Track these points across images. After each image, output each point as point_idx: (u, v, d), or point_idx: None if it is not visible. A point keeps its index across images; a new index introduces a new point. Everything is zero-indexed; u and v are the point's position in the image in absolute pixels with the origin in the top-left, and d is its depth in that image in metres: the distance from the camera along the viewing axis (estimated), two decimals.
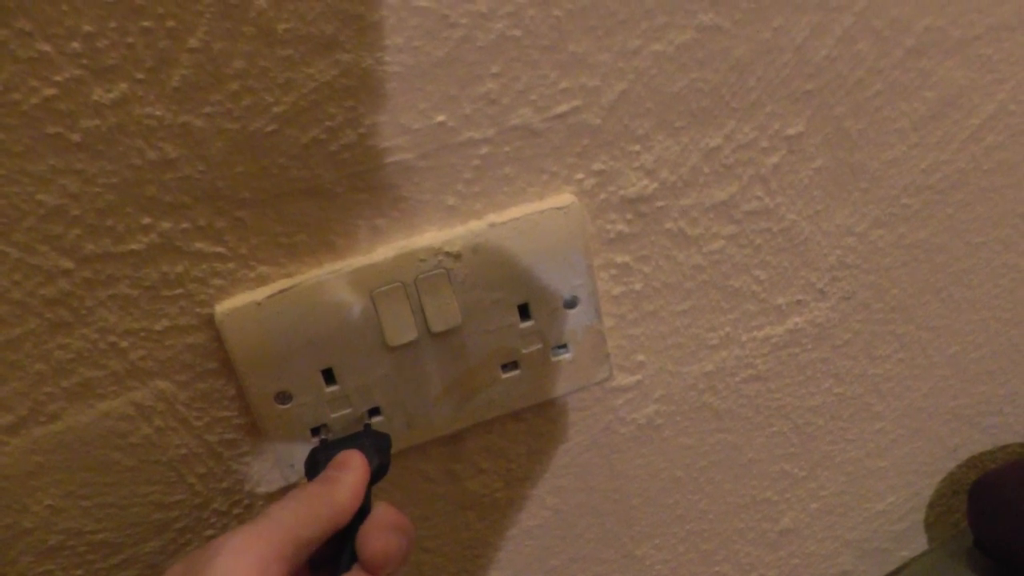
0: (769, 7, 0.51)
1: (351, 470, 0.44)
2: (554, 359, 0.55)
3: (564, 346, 0.55)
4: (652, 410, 0.63)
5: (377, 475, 0.46)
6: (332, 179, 0.47)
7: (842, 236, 0.61)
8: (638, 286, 0.57)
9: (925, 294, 0.68)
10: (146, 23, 0.41)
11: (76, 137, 0.42)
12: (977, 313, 0.71)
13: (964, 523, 0.82)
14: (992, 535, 0.74)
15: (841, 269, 0.63)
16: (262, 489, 0.55)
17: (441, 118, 0.48)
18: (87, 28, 0.40)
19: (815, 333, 0.65)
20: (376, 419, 0.53)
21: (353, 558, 0.42)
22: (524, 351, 0.54)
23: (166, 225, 0.46)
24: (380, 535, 0.42)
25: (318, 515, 0.40)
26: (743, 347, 0.63)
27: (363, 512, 0.43)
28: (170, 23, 0.41)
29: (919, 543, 0.82)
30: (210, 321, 0.49)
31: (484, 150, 0.49)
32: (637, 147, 0.53)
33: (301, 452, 0.52)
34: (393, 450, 0.51)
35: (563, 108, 0.50)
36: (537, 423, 0.60)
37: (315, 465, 0.47)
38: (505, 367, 0.54)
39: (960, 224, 0.66)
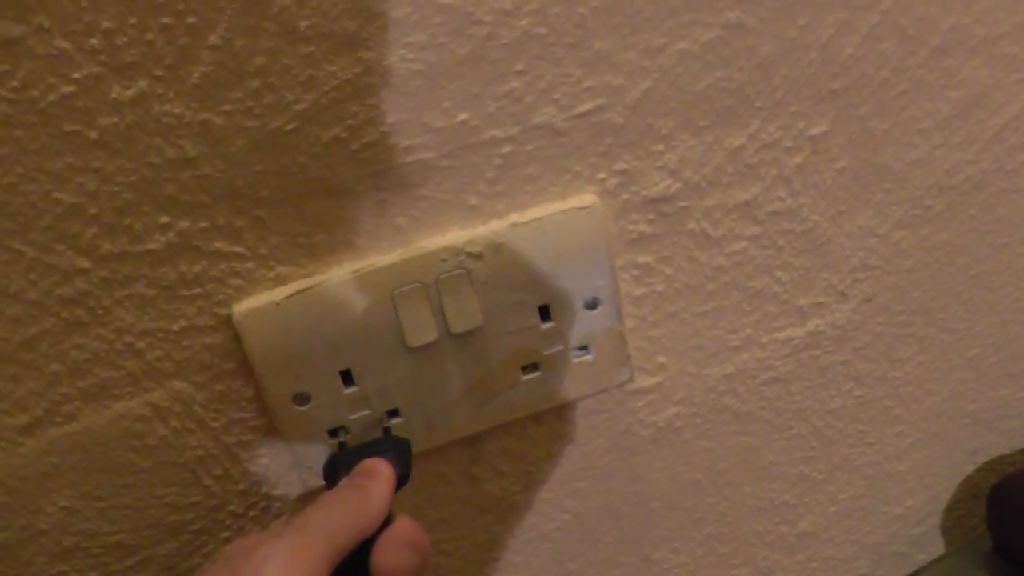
0: (795, 4, 0.51)
1: (380, 479, 0.43)
2: (575, 361, 0.55)
3: (585, 348, 0.55)
4: (672, 412, 0.62)
5: (399, 483, 0.45)
6: (353, 178, 0.47)
7: (864, 237, 0.61)
8: (660, 287, 0.57)
9: (946, 296, 0.67)
10: (166, 20, 0.41)
11: (94, 135, 0.42)
12: (998, 316, 0.71)
13: (983, 527, 0.82)
14: (1011, 539, 0.73)
15: (863, 271, 0.62)
16: (279, 491, 0.55)
17: (464, 116, 0.47)
18: (106, 24, 0.40)
19: (836, 335, 0.64)
20: (395, 420, 0.53)
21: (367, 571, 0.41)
22: (545, 353, 0.53)
23: (184, 224, 0.46)
24: (396, 550, 0.41)
25: (354, 524, 0.40)
26: (764, 349, 0.62)
27: (384, 523, 0.42)
28: (191, 19, 0.41)
29: (937, 547, 0.82)
30: (228, 321, 0.49)
31: (507, 149, 0.49)
32: (660, 147, 0.52)
33: (319, 454, 0.52)
34: (412, 453, 0.50)
35: (587, 107, 0.49)
36: (557, 425, 0.59)
37: (335, 470, 0.47)
38: (525, 369, 0.54)
39: (983, 226, 0.65)
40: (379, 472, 0.44)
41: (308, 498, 0.56)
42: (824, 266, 0.61)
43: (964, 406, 0.74)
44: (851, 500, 0.75)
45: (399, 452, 0.47)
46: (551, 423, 0.59)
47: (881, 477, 0.75)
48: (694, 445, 0.64)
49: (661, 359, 0.60)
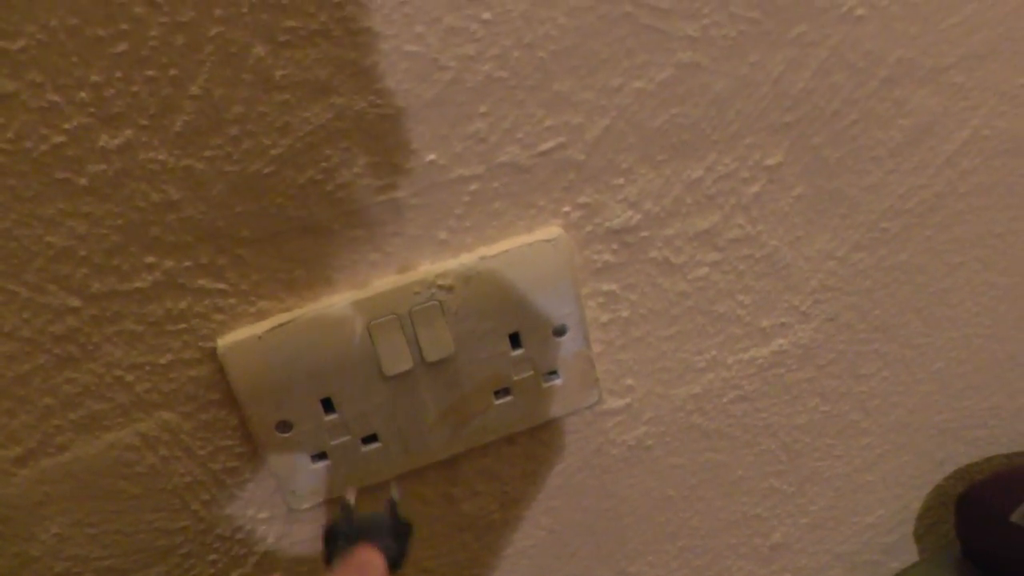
0: (746, 44, 0.53)
1: (373, 571, 0.44)
2: (545, 385, 0.57)
3: (554, 372, 0.57)
4: (642, 432, 0.64)
5: (394, 566, 0.45)
6: (328, 217, 0.49)
7: (823, 260, 0.63)
8: (625, 313, 0.59)
9: (907, 313, 0.69)
10: (150, 72, 0.43)
11: (84, 181, 0.44)
12: (959, 330, 0.72)
13: (953, 534, 0.83)
14: (980, 545, 0.75)
15: (823, 292, 0.64)
16: (264, 514, 0.57)
17: (432, 157, 0.50)
18: (95, 78, 0.42)
19: (799, 354, 0.66)
20: (374, 445, 0.55)
21: None
22: (516, 378, 0.56)
23: (170, 263, 0.48)
24: None
25: None
26: (729, 369, 0.64)
27: None
28: (173, 72, 0.43)
29: (909, 554, 0.83)
30: (213, 354, 0.50)
31: (474, 186, 0.51)
32: (621, 180, 0.54)
33: (302, 478, 0.54)
34: (390, 474, 0.52)
35: (549, 145, 0.52)
36: (530, 446, 0.61)
37: (335, 538, 0.47)
38: (498, 393, 0.56)
39: (939, 245, 0.67)
40: (372, 564, 0.44)
41: (292, 520, 0.58)
42: (785, 288, 0.63)
43: (930, 417, 0.76)
44: (822, 511, 0.76)
45: (398, 534, 0.47)
46: (524, 444, 0.61)
47: (851, 488, 0.76)
48: (665, 462, 0.66)
49: (629, 381, 0.61)
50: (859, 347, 0.69)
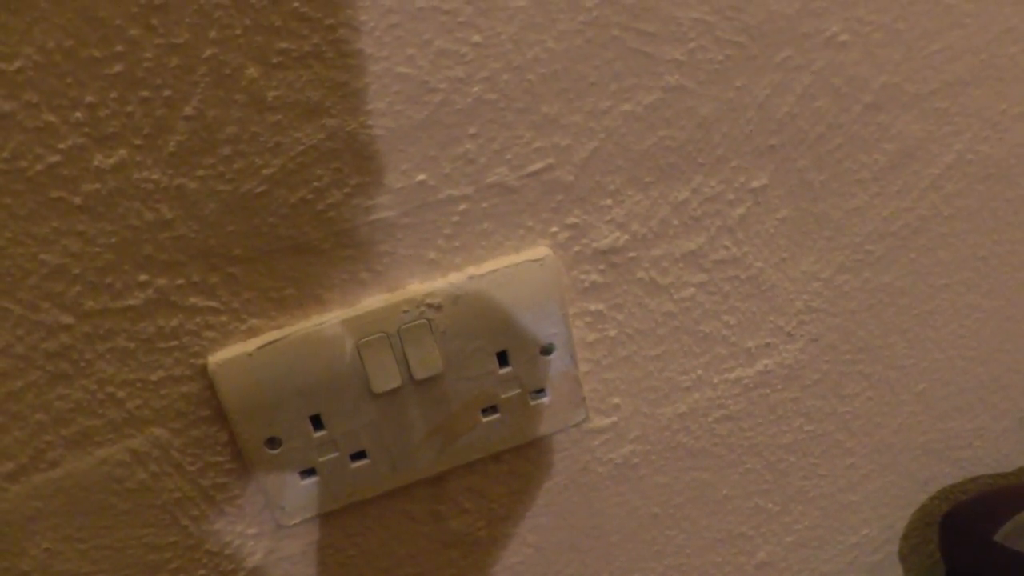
0: (731, 68, 0.54)
1: None
2: (532, 403, 0.57)
3: (542, 391, 0.57)
4: (628, 450, 0.64)
5: None
6: (319, 236, 0.50)
7: (808, 282, 0.64)
8: (612, 333, 0.59)
9: (891, 335, 0.70)
10: (144, 93, 0.44)
11: (78, 200, 0.45)
12: (943, 352, 0.73)
13: (938, 554, 0.84)
14: (964, 565, 0.75)
15: (808, 313, 0.65)
16: (253, 530, 0.57)
17: (422, 177, 0.50)
18: (89, 99, 0.43)
19: (784, 374, 0.67)
20: (362, 462, 0.55)
21: None
22: (503, 396, 0.56)
23: (162, 281, 0.48)
24: None
25: None
26: (715, 389, 0.65)
27: None
28: (167, 92, 0.44)
29: (894, 574, 0.83)
30: (203, 371, 0.51)
31: (463, 207, 0.52)
32: (608, 202, 0.55)
33: (290, 495, 0.54)
34: (379, 492, 0.53)
35: (537, 166, 0.52)
36: (517, 464, 0.61)
37: None
38: (485, 411, 0.56)
39: (923, 268, 0.68)
40: None
41: (280, 536, 0.58)
42: (770, 309, 0.64)
43: (915, 438, 0.76)
44: (807, 530, 0.76)
45: None
46: (511, 462, 0.61)
47: (836, 508, 0.76)
48: (650, 481, 0.67)
49: (616, 400, 0.62)
50: (843, 368, 0.69)
